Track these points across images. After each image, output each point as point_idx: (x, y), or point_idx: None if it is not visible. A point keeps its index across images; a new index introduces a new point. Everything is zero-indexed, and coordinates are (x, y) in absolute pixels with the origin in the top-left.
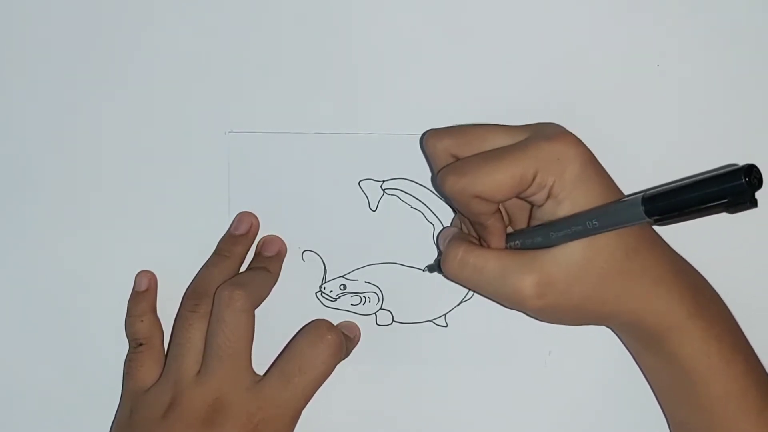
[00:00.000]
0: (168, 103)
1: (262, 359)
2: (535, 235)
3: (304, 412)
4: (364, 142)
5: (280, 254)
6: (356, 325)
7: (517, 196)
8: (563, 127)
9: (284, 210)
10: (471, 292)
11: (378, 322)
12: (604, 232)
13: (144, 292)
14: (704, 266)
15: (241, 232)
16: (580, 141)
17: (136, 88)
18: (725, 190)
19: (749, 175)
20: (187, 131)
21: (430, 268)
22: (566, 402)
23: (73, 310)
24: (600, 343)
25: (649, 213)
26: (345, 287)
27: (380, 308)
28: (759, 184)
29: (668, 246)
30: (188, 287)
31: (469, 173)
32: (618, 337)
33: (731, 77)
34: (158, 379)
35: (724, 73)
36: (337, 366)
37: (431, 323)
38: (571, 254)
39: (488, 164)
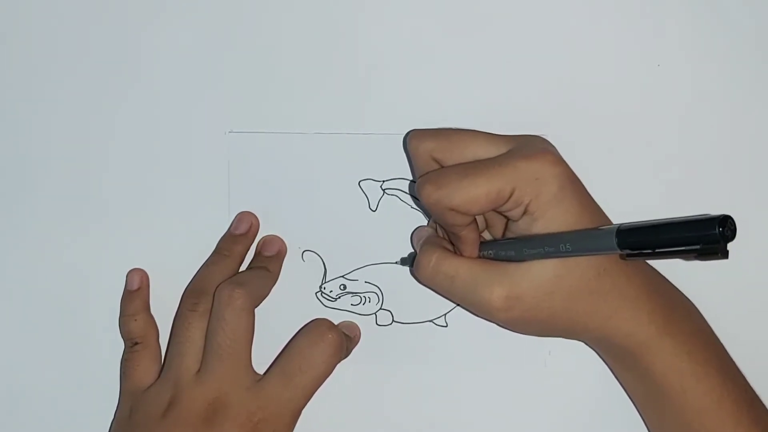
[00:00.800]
0: (168, 103)
1: (262, 359)
2: (508, 249)
3: (304, 411)
4: (364, 142)
5: (280, 254)
6: (356, 325)
7: (493, 210)
8: (547, 143)
9: (284, 210)
10: None
11: (378, 322)
12: (576, 256)
13: (136, 291)
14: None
15: (241, 231)
16: (559, 160)
17: (137, 88)
18: (698, 237)
19: (723, 225)
20: (187, 131)
21: (403, 261)
22: (566, 402)
23: (73, 310)
24: None
25: (621, 245)
26: (345, 287)
27: (380, 308)
28: (732, 236)
29: (644, 264)
30: (188, 286)
31: (445, 186)
32: (592, 349)
33: (732, 77)
34: (156, 377)
35: (724, 73)
36: (337, 366)
37: (431, 323)
38: (542, 271)
39: (465, 178)
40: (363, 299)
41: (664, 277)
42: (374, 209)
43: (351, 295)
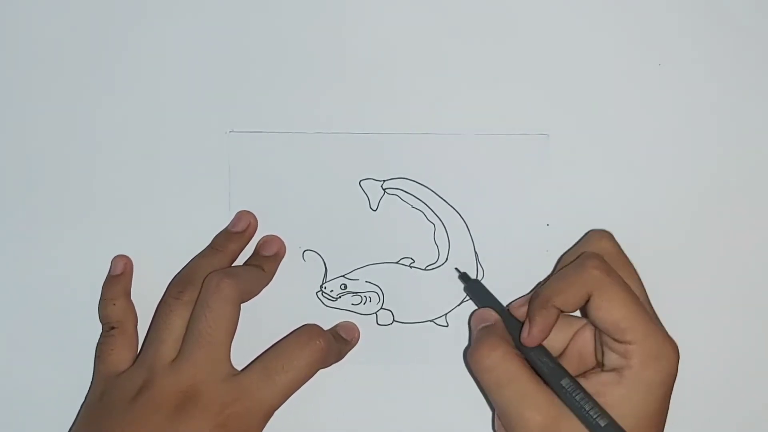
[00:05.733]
0: (168, 103)
1: None
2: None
3: (303, 411)
4: (364, 141)
5: (278, 255)
6: (356, 326)
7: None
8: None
9: (284, 210)
10: None
11: (379, 322)
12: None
13: (118, 276)
14: None
15: (238, 229)
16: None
17: (137, 88)
18: None
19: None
20: (188, 131)
21: (463, 278)
22: None
23: (73, 309)
24: None
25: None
26: (346, 287)
27: (381, 308)
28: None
29: None
30: (175, 276)
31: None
32: None
33: (733, 76)
34: (131, 364)
35: (725, 72)
36: (338, 365)
37: (432, 323)
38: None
39: (563, 278)
40: (364, 299)
41: None
42: (375, 209)
43: (351, 294)
